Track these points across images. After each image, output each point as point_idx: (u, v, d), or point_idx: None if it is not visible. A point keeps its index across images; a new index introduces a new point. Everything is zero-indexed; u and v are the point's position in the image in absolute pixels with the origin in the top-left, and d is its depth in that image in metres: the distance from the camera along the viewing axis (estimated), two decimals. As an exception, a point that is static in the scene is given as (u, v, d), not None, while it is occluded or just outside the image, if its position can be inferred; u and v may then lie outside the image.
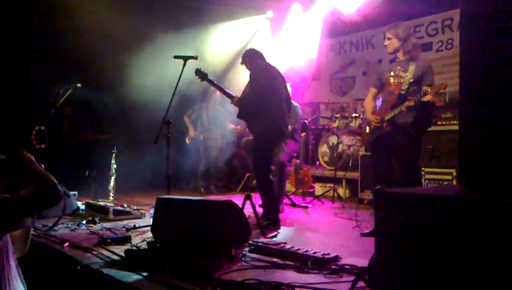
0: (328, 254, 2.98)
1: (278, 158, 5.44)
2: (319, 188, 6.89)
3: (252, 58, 4.58)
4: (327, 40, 9.73)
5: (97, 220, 4.49)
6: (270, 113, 4.33)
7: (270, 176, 4.54)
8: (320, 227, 4.51)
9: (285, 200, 5.71)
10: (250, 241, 3.34)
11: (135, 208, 5.04)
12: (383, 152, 4.08)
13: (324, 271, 2.73)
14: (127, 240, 3.59)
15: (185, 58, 4.44)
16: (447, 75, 8.34)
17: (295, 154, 6.03)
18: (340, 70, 10.32)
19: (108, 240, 3.50)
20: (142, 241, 3.54)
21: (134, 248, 3.34)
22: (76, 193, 5.61)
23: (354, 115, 7.50)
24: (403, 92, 3.87)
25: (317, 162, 7.69)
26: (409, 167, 3.94)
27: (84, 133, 6.87)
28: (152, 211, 4.24)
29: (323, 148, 7.62)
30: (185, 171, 7.39)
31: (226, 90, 4.76)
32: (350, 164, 7.12)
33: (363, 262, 2.92)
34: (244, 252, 3.14)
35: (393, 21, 8.94)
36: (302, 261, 2.89)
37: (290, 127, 4.81)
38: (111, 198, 5.73)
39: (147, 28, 6.81)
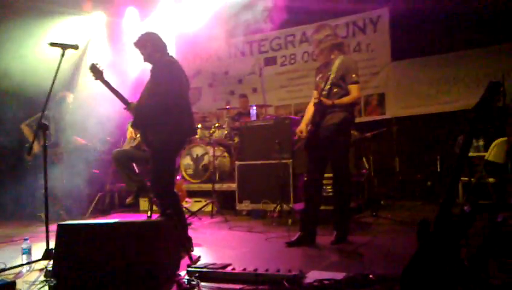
0: (290, 271, 2.62)
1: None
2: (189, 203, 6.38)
3: (155, 46, 3.84)
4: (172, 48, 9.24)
5: None
6: (178, 118, 3.70)
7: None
8: (233, 243, 4.07)
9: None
10: (189, 269, 2.74)
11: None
12: (312, 157, 3.87)
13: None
14: (11, 288, 2.55)
15: (64, 47, 3.53)
16: (290, 88, 8.86)
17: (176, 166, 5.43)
18: (184, 81, 9.99)
19: (-18, 293, 2.44)
20: (35, 287, 2.57)
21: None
22: None
23: (217, 125, 7.24)
24: (324, 92, 3.71)
25: (179, 176, 7.13)
26: (338, 171, 3.82)
27: None
28: (25, 245, 3.21)
29: (186, 161, 7.12)
30: (21, 194, 6.00)
31: (122, 94, 3.88)
32: (217, 176, 6.82)
33: (330, 275, 2.65)
34: (192, 282, 2.53)
35: (233, 36, 9.20)
36: (274, 283, 2.46)
37: None
38: None
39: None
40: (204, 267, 2.72)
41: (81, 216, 6.52)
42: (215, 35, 9.06)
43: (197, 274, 2.65)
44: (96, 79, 3.86)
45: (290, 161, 5.61)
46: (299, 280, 2.50)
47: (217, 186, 6.33)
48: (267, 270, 2.64)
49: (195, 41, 9.06)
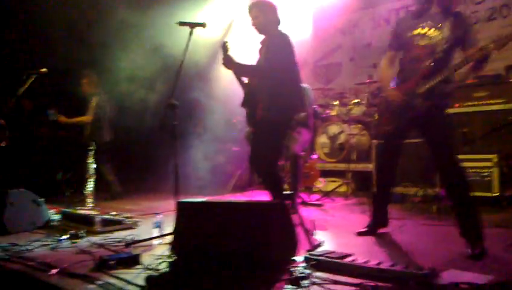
0: (421, 269, 2.24)
1: (291, 150, 4.68)
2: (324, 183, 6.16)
3: (276, 16, 3.62)
4: (310, 24, 9.00)
5: (82, 234, 3.55)
6: (291, 94, 3.49)
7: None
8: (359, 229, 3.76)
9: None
10: (306, 255, 2.55)
11: (126, 215, 4.10)
12: (403, 139, 3.30)
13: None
14: (135, 260, 2.69)
15: (192, 25, 3.53)
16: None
17: (307, 145, 5.27)
18: (325, 57, 9.68)
19: (112, 262, 2.60)
20: (157, 261, 2.66)
21: (152, 271, 2.47)
22: (42, 199, 4.58)
23: (355, 101, 6.83)
24: (439, 55, 2.86)
25: (314, 155, 6.93)
26: (452, 154, 2.96)
27: (45, 128, 5.69)
28: (158, 218, 3.38)
29: (322, 139, 6.89)
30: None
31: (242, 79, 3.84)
32: (355, 156, 6.46)
33: (471, 277, 2.19)
34: (304, 271, 2.34)
35: (377, 3, 8.51)
36: (399, 282, 2.13)
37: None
38: (89, 205, 4.74)
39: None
40: (322, 255, 2.50)
41: (222, 192, 6.81)
42: (357, 6, 8.57)
43: (313, 262, 2.45)
44: (223, 57, 3.83)
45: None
46: (430, 281, 2.12)
47: (353, 166, 5.99)
48: (392, 265, 2.31)
49: (334, 14, 8.71)
